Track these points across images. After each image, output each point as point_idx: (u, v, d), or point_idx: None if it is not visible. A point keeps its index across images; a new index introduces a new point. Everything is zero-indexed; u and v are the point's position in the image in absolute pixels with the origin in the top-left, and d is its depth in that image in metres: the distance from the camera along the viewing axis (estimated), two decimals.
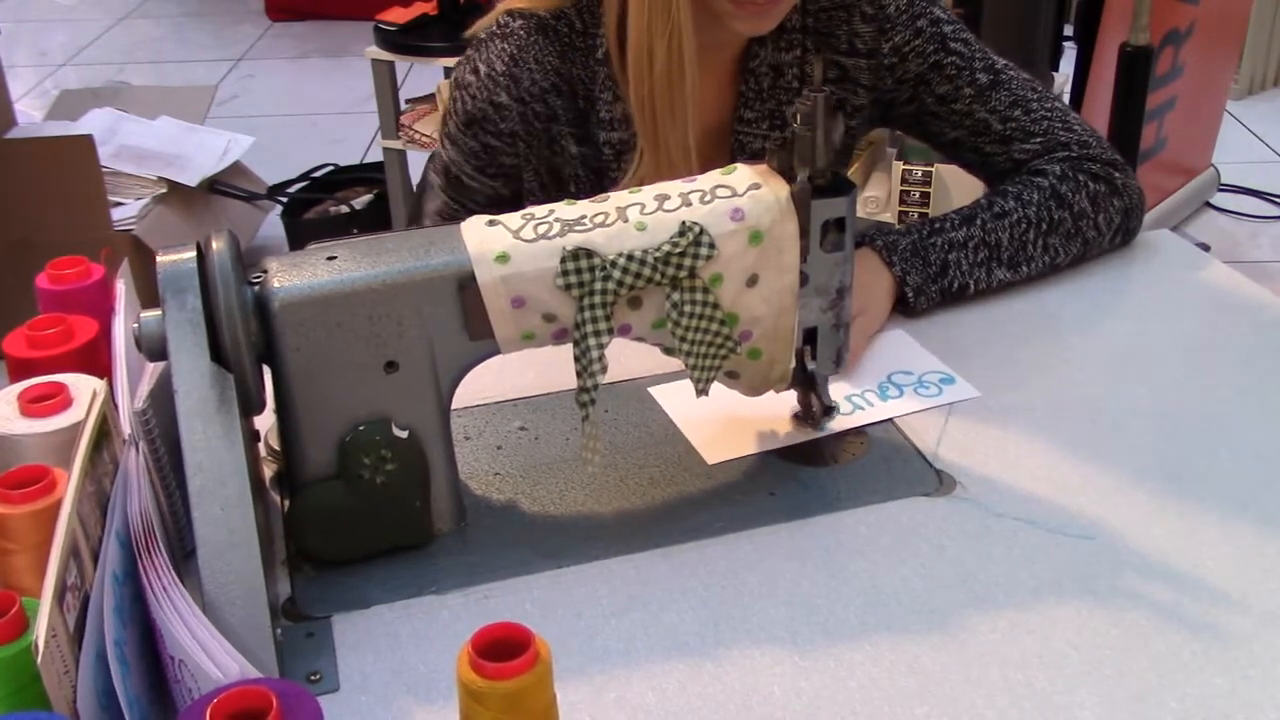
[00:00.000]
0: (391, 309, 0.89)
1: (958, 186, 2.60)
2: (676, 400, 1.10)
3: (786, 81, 1.26)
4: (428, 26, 2.98)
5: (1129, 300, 1.27)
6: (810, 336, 1.00)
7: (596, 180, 1.28)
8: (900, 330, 1.21)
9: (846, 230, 0.96)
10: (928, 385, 1.13)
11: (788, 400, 1.07)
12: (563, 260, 0.89)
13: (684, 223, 0.91)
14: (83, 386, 0.94)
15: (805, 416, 1.06)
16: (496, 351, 0.94)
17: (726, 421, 1.08)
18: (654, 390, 1.12)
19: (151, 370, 0.90)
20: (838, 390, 1.11)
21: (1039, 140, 1.29)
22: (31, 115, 3.38)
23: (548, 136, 1.26)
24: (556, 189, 1.29)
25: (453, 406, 0.94)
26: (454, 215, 1.30)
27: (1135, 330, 1.22)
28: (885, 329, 1.21)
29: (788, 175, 0.94)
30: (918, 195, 2.68)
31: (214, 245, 0.87)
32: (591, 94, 1.25)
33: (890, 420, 1.08)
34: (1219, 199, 3.31)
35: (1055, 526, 0.95)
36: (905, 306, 1.23)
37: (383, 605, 0.90)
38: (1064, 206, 1.26)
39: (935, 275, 1.22)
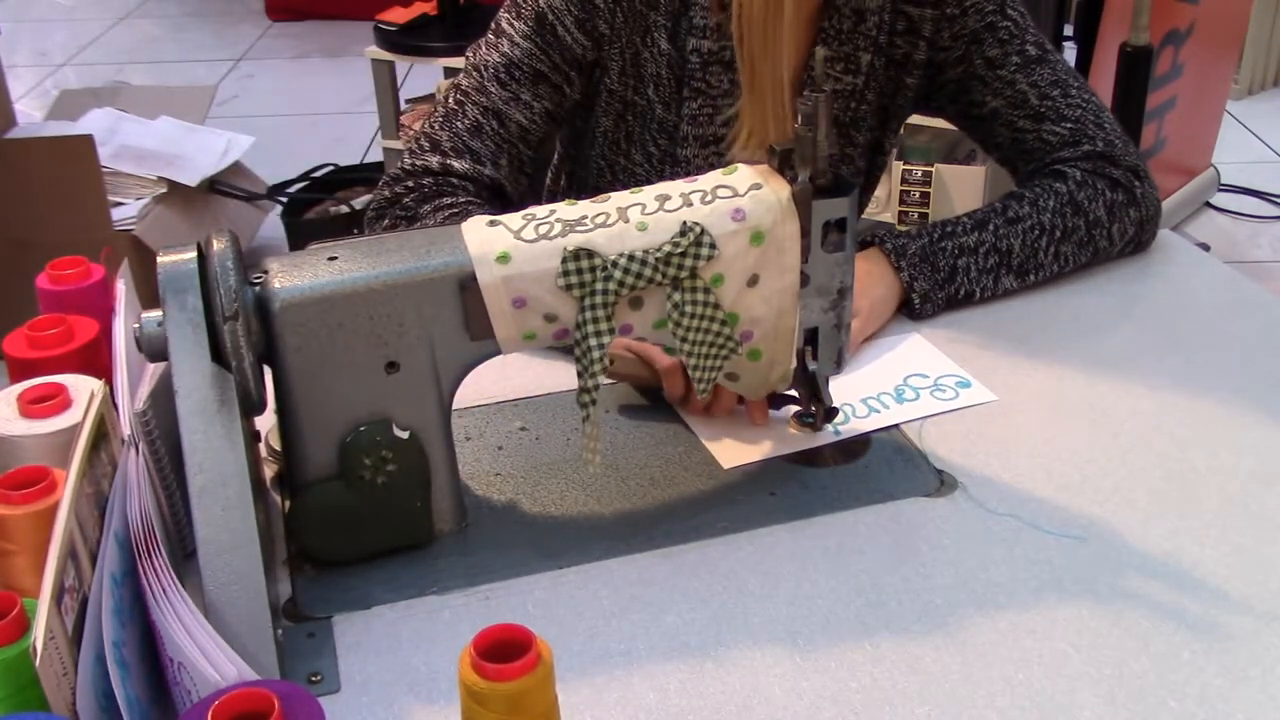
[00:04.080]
0: (392, 309, 0.89)
1: (957, 187, 2.60)
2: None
3: (866, 28, 1.26)
4: (428, 26, 2.99)
5: (1129, 300, 1.27)
6: (811, 337, 1.00)
7: (676, 88, 1.27)
8: (916, 334, 1.21)
9: (848, 230, 0.96)
10: (944, 389, 1.13)
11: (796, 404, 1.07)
12: (564, 260, 0.89)
13: (685, 223, 0.91)
14: (82, 387, 0.94)
15: (806, 418, 1.06)
16: (497, 352, 0.94)
17: (741, 425, 1.07)
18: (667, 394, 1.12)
19: (152, 371, 0.90)
20: (854, 393, 1.11)
21: (1069, 126, 1.29)
22: (31, 115, 3.38)
23: (644, 23, 1.25)
24: (636, 81, 1.27)
25: (454, 407, 0.94)
26: (536, 66, 1.24)
27: (1135, 330, 1.22)
28: (900, 333, 1.21)
29: (788, 174, 0.94)
30: (918, 195, 2.68)
31: (214, 245, 0.87)
32: None
33: (895, 424, 1.08)
34: (1219, 199, 3.31)
35: (1056, 527, 0.95)
36: (910, 311, 1.23)
37: (384, 606, 0.90)
38: (1080, 214, 1.26)
39: (943, 281, 1.22)
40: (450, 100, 1.27)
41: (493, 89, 1.25)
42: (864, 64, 1.26)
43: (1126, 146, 1.31)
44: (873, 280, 1.19)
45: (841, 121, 1.30)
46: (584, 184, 1.36)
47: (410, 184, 1.24)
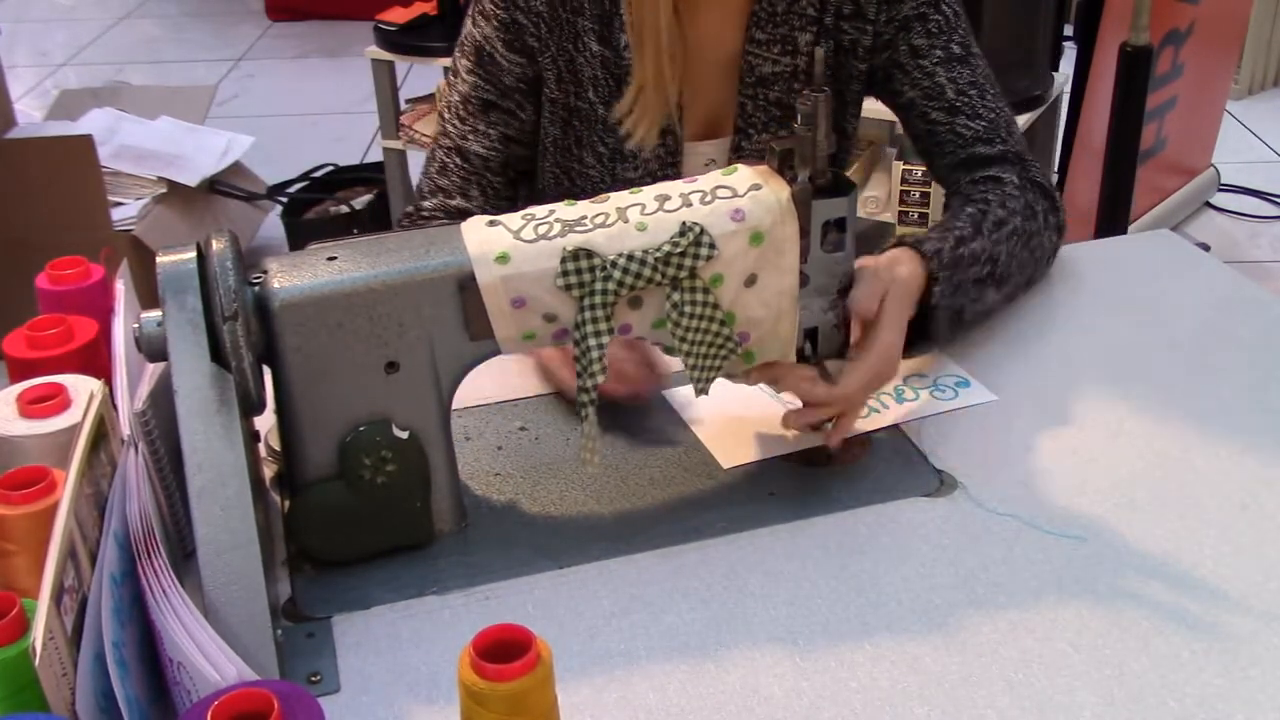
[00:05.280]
0: (392, 309, 0.89)
1: None
2: (690, 404, 1.10)
3: (801, 8, 1.26)
4: (428, 26, 2.98)
5: (1129, 300, 1.27)
6: (811, 337, 1.00)
7: (615, 86, 1.27)
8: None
9: (847, 230, 0.96)
10: (943, 389, 1.13)
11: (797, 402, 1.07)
12: (563, 260, 0.89)
13: (684, 223, 0.91)
14: (82, 387, 0.94)
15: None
16: (497, 352, 0.94)
17: (741, 425, 1.07)
18: (668, 394, 1.12)
19: (152, 371, 0.90)
20: None
21: (983, 124, 1.27)
22: (31, 115, 3.38)
23: (572, 30, 1.26)
24: (575, 86, 1.28)
25: (454, 407, 0.94)
26: (484, 96, 1.29)
27: (1135, 330, 1.22)
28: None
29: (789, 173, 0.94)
30: (918, 195, 2.67)
31: (214, 245, 0.87)
32: None
33: (895, 424, 1.08)
34: (1219, 199, 3.31)
35: (1056, 527, 0.95)
36: (926, 320, 1.12)
37: (383, 606, 0.90)
38: (1033, 219, 1.23)
39: (953, 293, 1.13)
40: (430, 151, 1.35)
41: (452, 128, 1.31)
42: (802, 44, 1.25)
43: (1034, 159, 1.30)
44: (899, 264, 1.09)
45: (785, 104, 1.30)
46: (541, 195, 1.37)
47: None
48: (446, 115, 1.32)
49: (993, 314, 1.22)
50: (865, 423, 1.08)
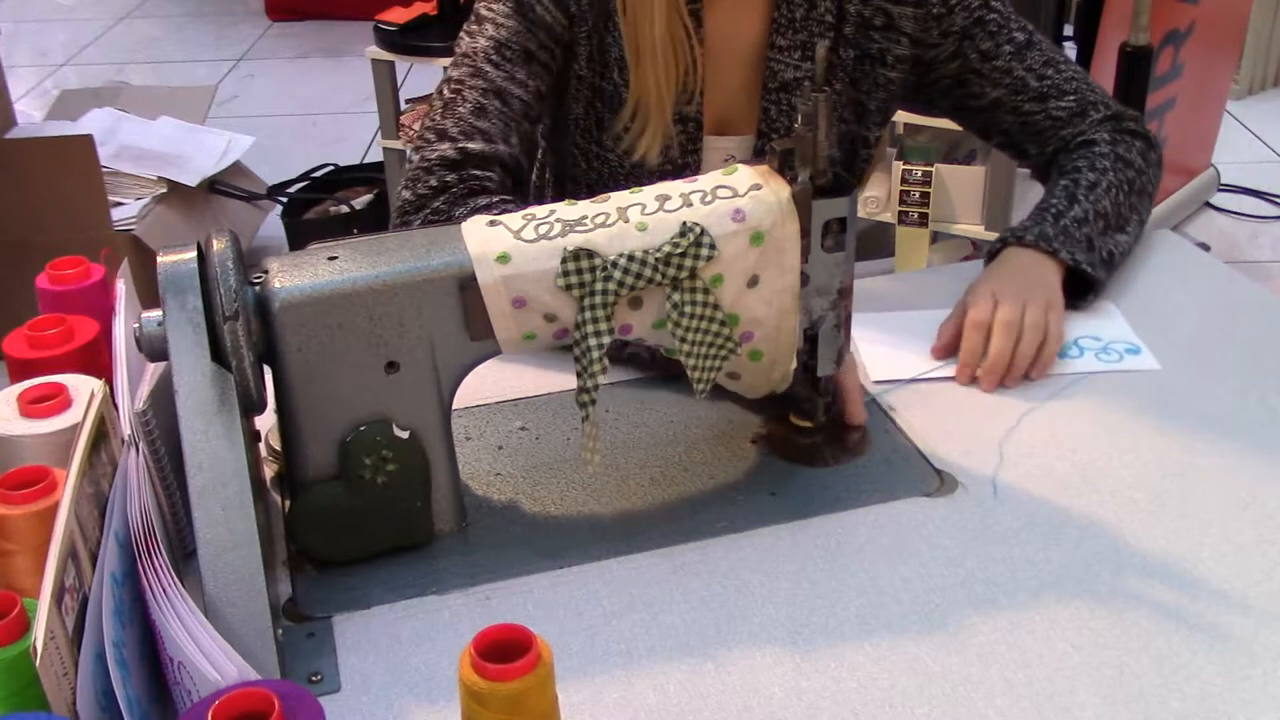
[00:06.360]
0: (392, 309, 0.89)
1: (958, 187, 2.60)
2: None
3: (819, 14, 1.26)
4: (428, 26, 2.98)
5: (1129, 300, 1.27)
6: (811, 337, 1.00)
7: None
8: (1108, 302, 1.24)
9: (848, 230, 0.96)
10: (1112, 352, 1.17)
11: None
12: (564, 260, 0.89)
13: (685, 223, 0.91)
14: (82, 387, 0.94)
15: (806, 412, 1.06)
16: (497, 352, 0.94)
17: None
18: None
19: (152, 371, 0.90)
20: None
21: (1072, 98, 1.32)
22: (31, 115, 3.38)
23: (605, 8, 1.26)
24: (602, 67, 1.27)
25: (454, 407, 0.94)
26: (524, 44, 1.23)
27: (1135, 330, 1.22)
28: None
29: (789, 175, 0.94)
30: (918, 195, 2.67)
31: (215, 245, 0.87)
32: None
33: (895, 424, 1.09)
34: (1219, 199, 3.31)
35: (1055, 526, 0.95)
36: (1084, 284, 1.23)
37: (384, 606, 0.90)
38: (1129, 166, 1.29)
39: (1088, 249, 1.23)
40: (446, 91, 1.24)
41: (488, 69, 1.22)
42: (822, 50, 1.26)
43: (1118, 102, 1.37)
44: (1037, 272, 1.20)
45: None
46: (563, 175, 1.36)
47: (434, 183, 1.18)
48: (477, 59, 1.22)
49: (1137, 243, 1.33)
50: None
